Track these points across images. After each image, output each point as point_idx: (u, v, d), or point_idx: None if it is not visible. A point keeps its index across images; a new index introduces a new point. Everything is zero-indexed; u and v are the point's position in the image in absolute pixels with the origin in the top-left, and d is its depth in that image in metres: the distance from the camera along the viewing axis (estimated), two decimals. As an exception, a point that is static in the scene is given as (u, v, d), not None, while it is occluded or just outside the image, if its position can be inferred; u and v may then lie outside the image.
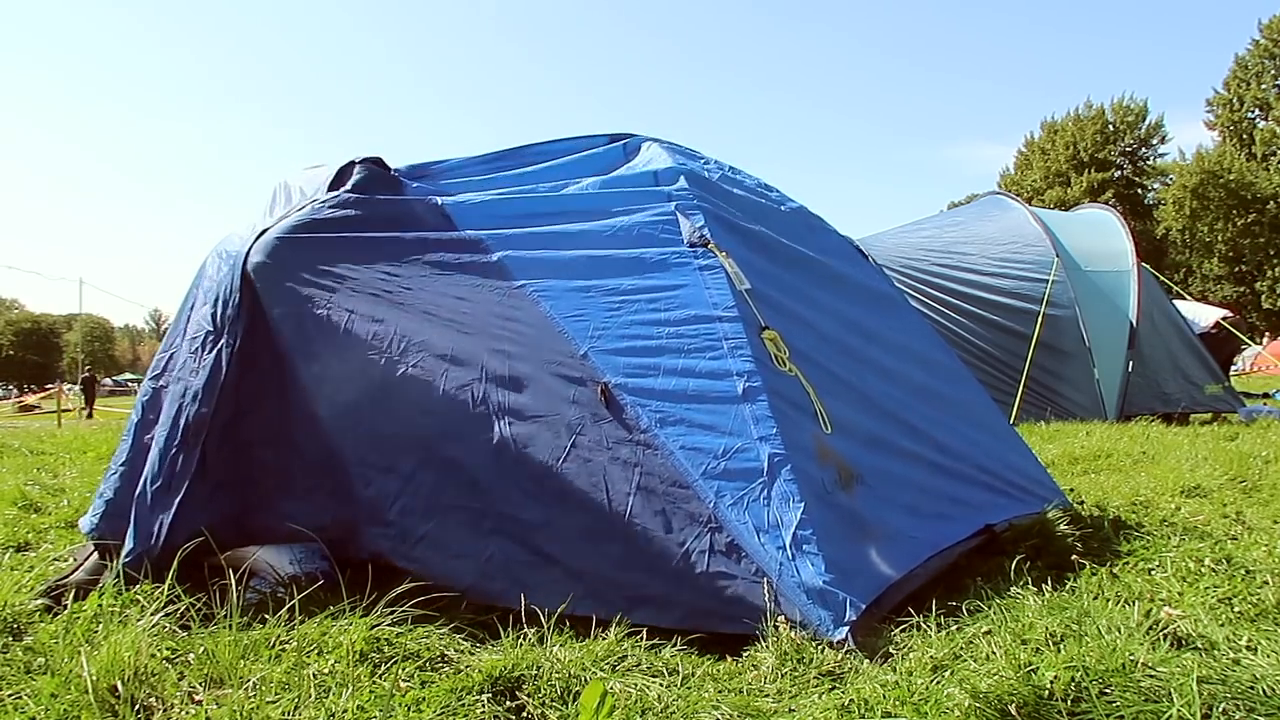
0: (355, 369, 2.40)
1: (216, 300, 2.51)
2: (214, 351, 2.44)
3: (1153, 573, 2.35)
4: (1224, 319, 8.90)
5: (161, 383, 2.61)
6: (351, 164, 2.65)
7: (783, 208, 3.19)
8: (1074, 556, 2.46)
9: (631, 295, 2.41)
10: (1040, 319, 7.29)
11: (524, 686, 1.67)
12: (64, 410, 20.69)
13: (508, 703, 1.63)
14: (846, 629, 1.81)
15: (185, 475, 2.35)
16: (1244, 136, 36.75)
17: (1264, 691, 1.46)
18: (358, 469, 2.39)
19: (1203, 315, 9.19)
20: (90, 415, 20.65)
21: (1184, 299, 9.94)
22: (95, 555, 2.49)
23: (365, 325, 2.42)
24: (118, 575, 2.26)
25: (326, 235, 2.51)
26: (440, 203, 2.58)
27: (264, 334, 2.49)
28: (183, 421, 2.39)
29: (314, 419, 2.44)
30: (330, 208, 2.55)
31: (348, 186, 2.60)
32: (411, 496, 2.31)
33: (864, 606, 1.90)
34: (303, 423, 2.45)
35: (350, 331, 2.42)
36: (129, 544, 2.30)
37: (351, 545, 2.38)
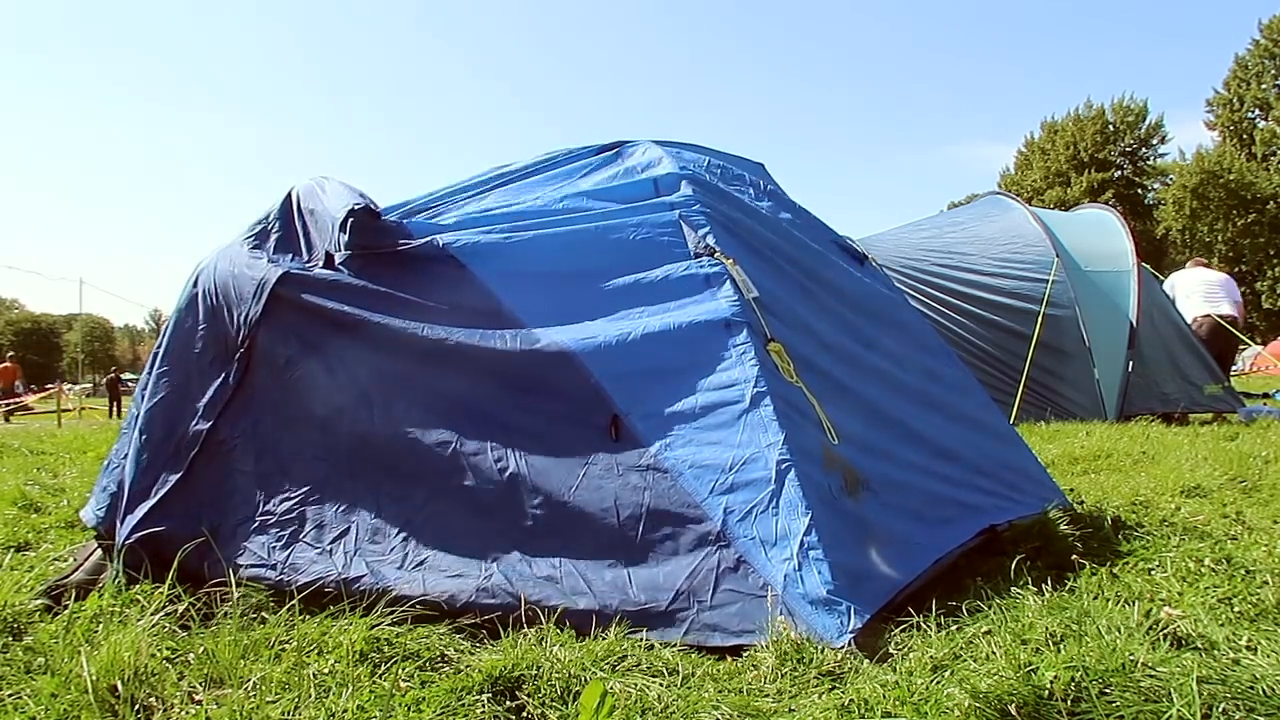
0: (368, 405, 2.41)
1: (231, 321, 2.52)
2: (222, 374, 2.45)
3: (1153, 573, 2.35)
4: (1219, 315, 8.57)
5: (161, 381, 2.62)
6: (350, 213, 2.64)
7: (782, 212, 3.19)
8: (1074, 556, 2.45)
9: (639, 312, 2.42)
10: (1040, 319, 7.29)
11: (524, 686, 1.68)
12: (64, 410, 20.69)
13: (508, 703, 1.63)
14: (849, 636, 1.81)
15: (166, 484, 2.37)
16: (1244, 136, 36.81)
17: (1264, 691, 1.46)
18: (367, 496, 2.37)
19: (1186, 310, 8.83)
20: (119, 415, 20.54)
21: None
22: (95, 555, 2.50)
23: (379, 365, 2.43)
24: (118, 573, 2.27)
25: (341, 282, 2.52)
26: (444, 246, 2.56)
27: (273, 366, 2.50)
28: (177, 432, 2.41)
29: (319, 447, 2.43)
30: (344, 263, 2.57)
31: (349, 241, 2.58)
32: (420, 525, 2.30)
33: (868, 615, 1.90)
34: (303, 450, 2.44)
35: (363, 370, 2.44)
36: (119, 538, 2.34)
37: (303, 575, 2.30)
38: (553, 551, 2.18)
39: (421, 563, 2.24)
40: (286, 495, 2.41)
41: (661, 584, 2.05)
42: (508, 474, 2.26)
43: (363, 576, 2.22)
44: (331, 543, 2.32)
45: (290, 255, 2.72)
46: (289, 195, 2.94)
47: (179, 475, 2.41)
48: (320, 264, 2.61)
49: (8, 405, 19.76)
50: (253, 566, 2.32)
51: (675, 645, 1.93)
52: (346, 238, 2.54)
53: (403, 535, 2.30)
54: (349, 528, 2.34)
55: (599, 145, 3.26)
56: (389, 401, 2.41)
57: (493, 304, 2.45)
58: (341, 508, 2.37)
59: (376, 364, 2.45)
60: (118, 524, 2.39)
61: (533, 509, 2.22)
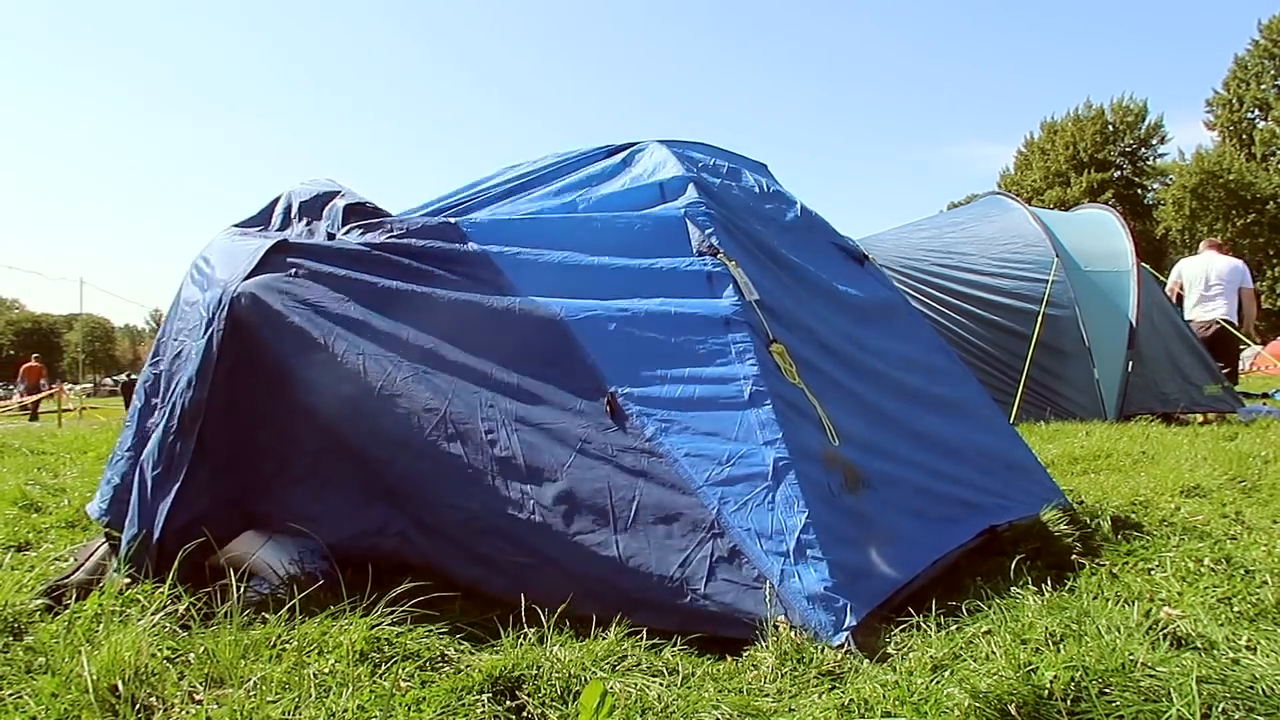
0: (361, 371, 2.40)
1: (222, 288, 2.54)
2: (205, 337, 2.46)
3: (1153, 573, 2.36)
4: (1211, 320, 8.51)
5: (160, 368, 2.64)
6: (358, 202, 2.70)
7: (787, 213, 3.20)
8: (1074, 556, 2.46)
9: (641, 303, 2.42)
10: (1040, 319, 7.29)
11: (524, 686, 1.68)
12: (64, 410, 20.69)
13: (508, 702, 1.64)
14: (846, 634, 1.81)
15: (184, 461, 2.37)
16: (1244, 136, 36.83)
17: (1264, 691, 1.46)
18: (360, 462, 2.40)
19: (1187, 306, 8.75)
20: None
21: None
22: (96, 555, 2.50)
23: (374, 331, 2.44)
24: (125, 562, 2.27)
25: (343, 250, 2.55)
26: (447, 218, 2.62)
27: (263, 329, 2.50)
28: (179, 408, 2.42)
29: (313, 412, 2.45)
30: (349, 233, 2.62)
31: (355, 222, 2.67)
32: (422, 487, 2.32)
33: (866, 613, 1.90)
34: (301, 415, 2.46)
35: (358, 336, 2.44)
36: (130, 529, 2.33)
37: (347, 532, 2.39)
38: (545, 529, 2.18)
39: (439, 527, 2.29)
40: (305, 448, 2.45)
41: (654, 569, 2.05)
42: (498, 446, 2.25)
43: (402, 530, 2.30)
44: (361, 492, 2.37)
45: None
46: (285, 194, 2.97)
47: (192, 448, 2.41)
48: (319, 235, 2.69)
49: (29, 402, 20.53)
50: (299, 519, 2.36)
51: (675, 644, 1.93)
52: (354, 222, 2.60)
53: (410, 499, 2.33)
54: (353, 487, 2.38)
55: (607, 148, 3.26)
56: (380, 367, 2.39)
57: (494, 275, 2.47)
58: (341, 469, 2.40)
59: (369, 328, 2.44)
60: (156, 520, 2.38)
61: (525, 486, 2.21)
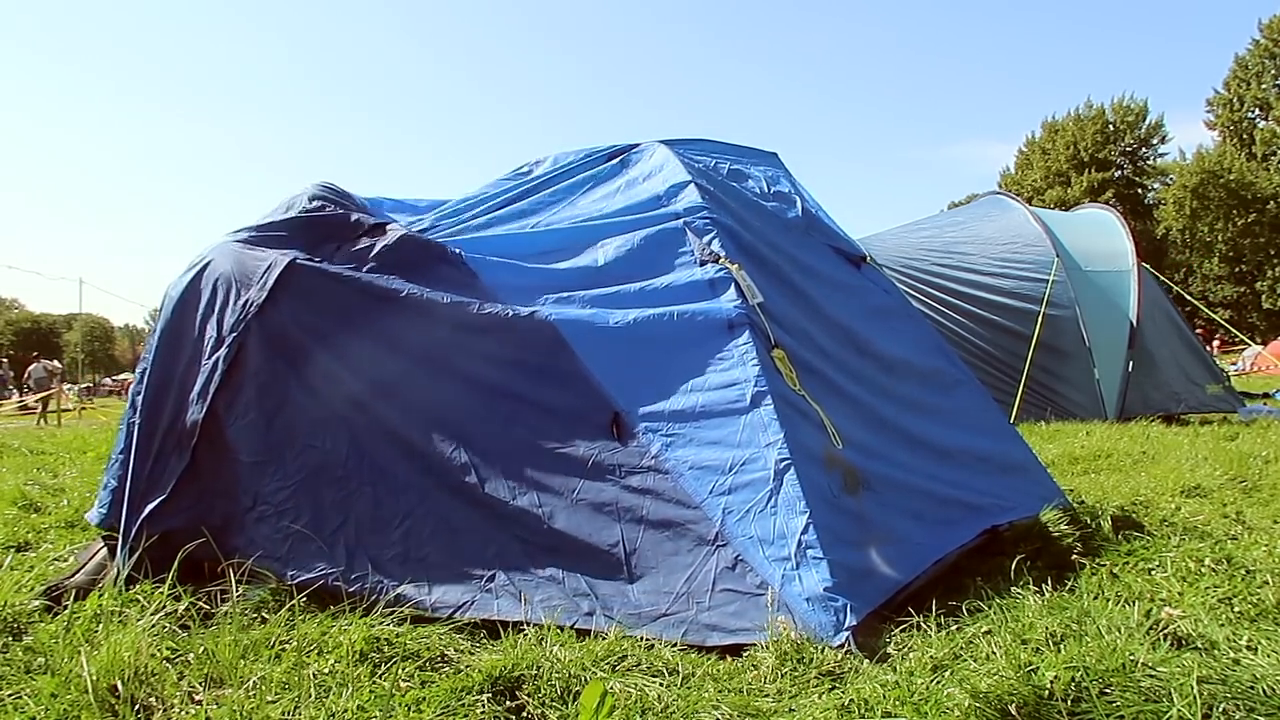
0: (365, 395, 2.42)
1: (231, 306, 2.53)
2: (212, 358, 2.45)
3: (1153, 573, 2.35)
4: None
5: (157, 366, 2.65)
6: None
7: (788, 212, 3.19)
8: (1074, 556, 2.46)
9: (645, 315, 2.43)
10: (1040, 319, 7.29)
11: (524, 686, 1.68)
12: (63, 410, 20.71)
13: (508, 702, 1.63)
14: (846, 634, 1.81)
15: (175, 473, 2.39)
16: (1244, 136, 36.77)
17: (1264, 691, 1.46)
18: (365, 487, 2.37)
19: None
20: None
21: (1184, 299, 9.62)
22: (97, 556, 2.50)
23: (379, 355, 2.45)
24: (120, 572, 2.27)
25: (348, 276, 2.56)
26: (459, 252, 2.62)
27: (268, 352, 2.50)
28: (178, 421, 2.42)
29: (306, 444, 2.44)
30: (363, 258, 2.64)
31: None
32: (421, 519, 2.31)
33: (866, 613, 1.90)
34: (291, 447, 2.45)
35: (363, 360, 2.45)
36: (128, 530, 2.35)
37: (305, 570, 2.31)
38: (555, 551, 2.18)
39: (424, 559, 2.24)
40: (282, 484, 2.40)
41: (661, 586, 2.06)
42: (510, 472, 2.26)
43: (366, 574, 2.22)
44: (331, 534, 2.32)
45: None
46: (292, 199, 2.99)
47: (185, 465, 2.42)
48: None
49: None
50: (263, 558, 2.33)
51: (675, 645, 1.93)
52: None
53: (403, 529, 2.29)
54: (347, 517, 2.33)
55: (608, 150, 3.25)
56: (388, 393, 2.42)
57: (499, 300, 2.49)
58: (338, 496, 2.37)
59: (376, 355, 2.45)
60: (123, 517, 2.39)
61: (535, 508, 2.22)
